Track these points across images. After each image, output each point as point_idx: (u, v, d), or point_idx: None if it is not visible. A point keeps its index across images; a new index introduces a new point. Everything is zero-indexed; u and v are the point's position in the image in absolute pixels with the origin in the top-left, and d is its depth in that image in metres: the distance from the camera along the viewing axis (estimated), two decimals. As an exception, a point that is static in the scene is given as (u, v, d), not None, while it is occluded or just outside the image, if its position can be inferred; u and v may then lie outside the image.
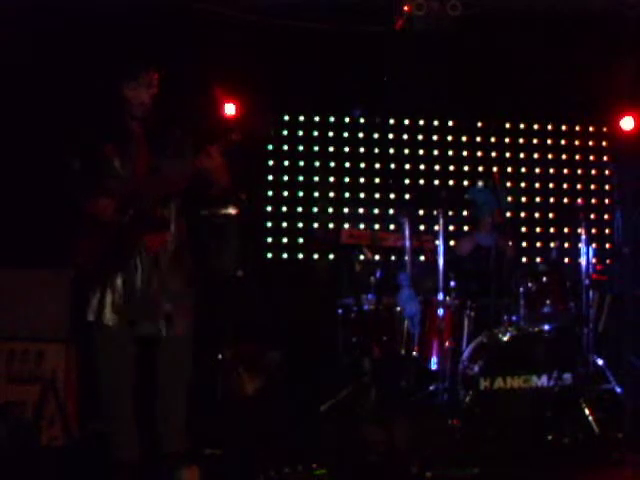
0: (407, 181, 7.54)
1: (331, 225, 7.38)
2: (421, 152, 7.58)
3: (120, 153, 4.04)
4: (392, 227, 7.18)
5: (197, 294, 4.23)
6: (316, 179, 7.46)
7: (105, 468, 4.15)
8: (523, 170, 7.69)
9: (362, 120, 7.48)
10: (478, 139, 7.65)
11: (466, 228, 7.35)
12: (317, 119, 7.50)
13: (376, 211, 7.43)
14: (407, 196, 7.48)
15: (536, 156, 7.70)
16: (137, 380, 4.14)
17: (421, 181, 7.55)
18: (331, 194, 7.45)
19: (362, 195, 7.48)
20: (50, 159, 4.38)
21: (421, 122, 7.60)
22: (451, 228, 7.27)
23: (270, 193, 7.40)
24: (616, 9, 6.26)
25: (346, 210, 7.44)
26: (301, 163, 7.46)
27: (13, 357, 5.06)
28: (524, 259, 7.40)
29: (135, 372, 4.13)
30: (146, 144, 4.09)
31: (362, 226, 7.20)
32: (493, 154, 7.66)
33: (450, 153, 7.62)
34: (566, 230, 7.57)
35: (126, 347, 4.08)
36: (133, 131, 4.11)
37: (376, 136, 7.53)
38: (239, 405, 5.65)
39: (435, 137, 7.61)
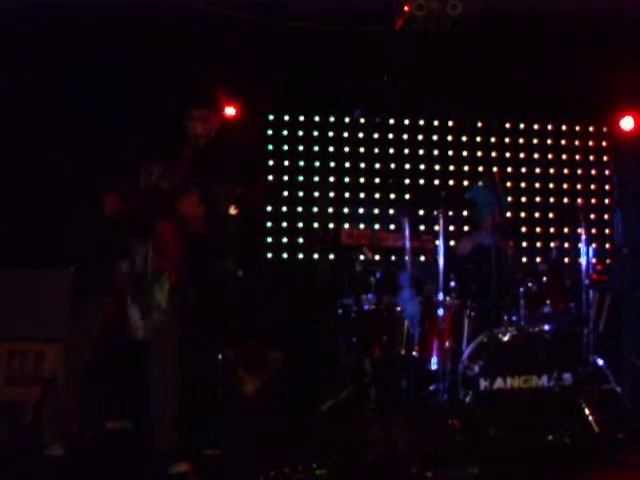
0: (407, 181, 7.55)
1: (331, 225, 7.37)
2: (421, 152, 7.60)
3: (166, 175, 4.19)
4: (392, 227, 7.18)
5: (197, 295, 4.23)
6: (316, 179, 7.46)
7: (105, 468, 4.15)
8: (523, 170, 7.70)
9: (362, 120, 7.49)
10: (478, 139, 7.66)
11: (466, 228, 7.34)
12: (317, 119, 7.50)
13: (376, 211, 7.43)
14: (407, 196, 7.48)
15: (536, 156, 7.71)
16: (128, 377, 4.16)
17: (421, 181, 7.56)
18: (331, 194, 7.45)
19: (362, 195, 7.49)
20: (50, 159, 4.38)
21: (421, 122, 7.61)
22: (451, 228, 7.26)
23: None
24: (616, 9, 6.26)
25: (346, 210, 7.44)
26: (301, 163, 7.47)
27: (13, 357, 5.06)
28: (524, 259, 7.39)
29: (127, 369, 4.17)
30: (190, 167, 4.25)
31: (362, 226, 7.19)
32: (493, 154, 7.68)
33: (450, 153, 7.63)
34: (566, 230, 7.56)
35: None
36: (183, 154, 4.27)
37: (376, 136, 7.54)
38: (239, 405, 5.65)
39: (435, 137, 7.62)
